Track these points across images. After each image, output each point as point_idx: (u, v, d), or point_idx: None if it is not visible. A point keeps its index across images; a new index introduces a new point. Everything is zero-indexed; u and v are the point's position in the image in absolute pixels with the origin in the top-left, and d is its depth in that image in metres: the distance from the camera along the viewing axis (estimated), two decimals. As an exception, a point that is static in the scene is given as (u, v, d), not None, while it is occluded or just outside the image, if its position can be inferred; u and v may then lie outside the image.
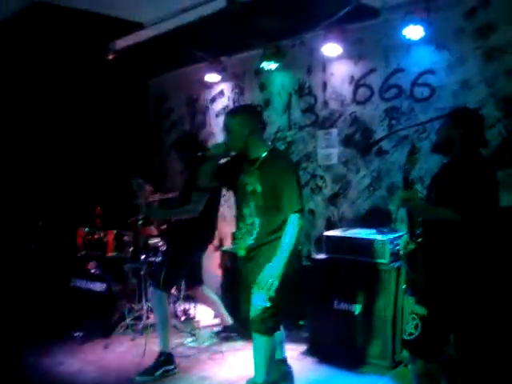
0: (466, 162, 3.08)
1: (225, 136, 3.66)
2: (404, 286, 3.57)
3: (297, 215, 3.41)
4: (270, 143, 3.80)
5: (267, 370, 3.56)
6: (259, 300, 3.41)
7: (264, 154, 3.54)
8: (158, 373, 4.31)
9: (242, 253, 3.61)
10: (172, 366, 4.44)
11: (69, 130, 6.51)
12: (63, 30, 5.26)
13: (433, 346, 3.04)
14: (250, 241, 3.52)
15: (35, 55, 5.85)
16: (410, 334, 3.06)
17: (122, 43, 5.81)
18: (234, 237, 3.81)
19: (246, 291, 3.64)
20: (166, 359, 4.42)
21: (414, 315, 3.07)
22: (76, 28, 5.19)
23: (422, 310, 3.04)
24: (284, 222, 3.43)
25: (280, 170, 3.47)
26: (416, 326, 3.04)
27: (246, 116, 3.59)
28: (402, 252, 3.39)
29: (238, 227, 3.66)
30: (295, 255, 3.52)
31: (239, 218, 3.63)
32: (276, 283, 3.32)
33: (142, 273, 5.45)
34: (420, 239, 3.21)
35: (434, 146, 3.41)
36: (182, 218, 4.61)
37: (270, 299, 3.38)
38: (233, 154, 3.74)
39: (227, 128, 3.60)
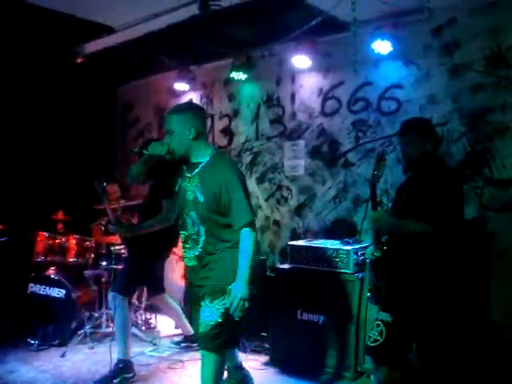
0: (433, 171, 3.09)
1: (166, 137, 3.22)
2: (368, 295, 3.53)
3: (248, 230, 3.05)
4: (214, 148, 3.35)
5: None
6: (211, 315, 3.06)
7: (206, 159, 3.17)
8: (117, 380, 4.20)
9: (191, 262, 3.25)
10: (131, 374, 4.34)
11: (33, 132, 6.37)
12: (31, 29, 5.18)
13: (397, 352, 3.02)
14: (198, 250, 3.18)
15: (3, 54, 5.73)
16: (375, 340, 3.03)
17: (91, 47, 5.75)
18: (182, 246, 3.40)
19: (194, 303, 3.35)
20: (124, 366, 4.31)
21: (378, 322, 3.05)
22: (45, 28, 5.11)
23: (387, 317, 3.02)
24: (232, 227, 3.11)
25: (222, 177, 3.08)
26: (381, 333, 3.01)
27: (191, 115, 3.16)
28: (368, 259, 3.40)
29: (182, 236, 3.30)
30: (256, 270, 3.29)
31: (182, 225, 3.25)
32: (247, 304, 3.03)
33: (103, 280, 5.38)
34: (385, 247, 3.22)
35: (409, 163, 3.24)
36: (155, 229, 4.11)
37: (223, 314, 3.05)
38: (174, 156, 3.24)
39: (168, 128, 3.19)
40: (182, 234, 3.26)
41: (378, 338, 3.01)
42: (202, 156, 3.18)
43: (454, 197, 3.02)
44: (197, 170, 3.16)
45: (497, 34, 4.32)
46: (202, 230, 3.14)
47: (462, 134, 4.47)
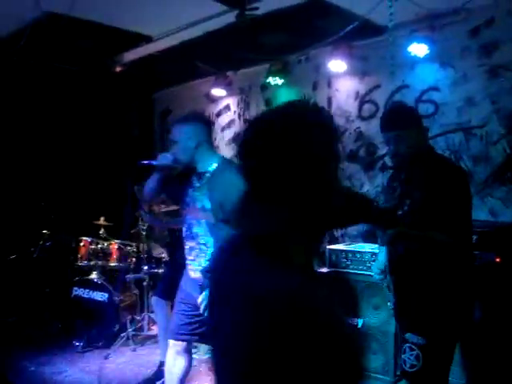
0: (441, 171, 2.81)
1: (172, 147, 3.33)
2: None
3: None
4: (221, 156, 3.37)
5: None
6: None
7: (213, 167, 3.22)
8: (159, 382, 4.29)
9: (194, 274, 3.25)
10: None
11: (75, 141, 6.57)
12: (72, 41, 5.34)
13: (438, 376, 2.84)
14: (206, 262, 3.13)
15: (44, 65, 5.93)
16: (412, 366, 2.80)
17: (129, 56, 5.89)
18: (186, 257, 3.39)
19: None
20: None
21: (411, 345, 2.81)
22: (85, 39, 5.27)
23: (420, 340, 2.79)
24: None
25: (227, 185, 2.93)
26: (417, 357, 2.78)
27: (194, 126, 3.27)
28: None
29: (188, 247, 3.30)
30: None
31: (189, 236, 3.28)
32: None
33: (144, 283, 5.48)
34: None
35: (401, 162, 2.99)
36: (178, 227, 4.36)
37: None
38: (181, 166, 3.35)
39: (174, 138, 3.29)
40: (190, 244, 3.28)
41: (415, 362, 2.79)
42: (209, 165, 3.23)
43: (468, 201, 2.83)
44: (205, 178, 3.23)
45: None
46: (211, 241, 3.15)
47: (501, 135, 4.41)
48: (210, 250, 3.14)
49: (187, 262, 3.32)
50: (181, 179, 3.39)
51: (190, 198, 3.29)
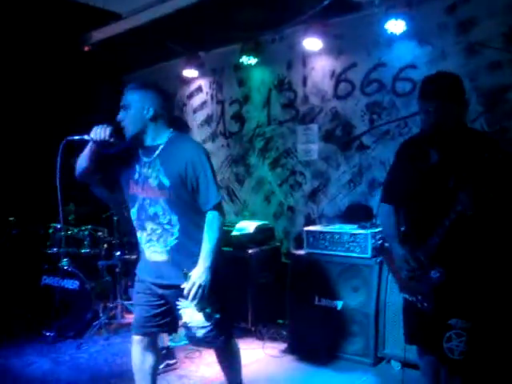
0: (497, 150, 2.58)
1: (120, 114, 2.93)
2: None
3: (215, 213, 2.91)
4: (172, 129, 3.04)
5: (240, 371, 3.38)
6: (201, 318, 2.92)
7: (165, 141, 2.96)
8: (161, 366, 4.07)
9: (161, 258, 2.99)
10: (174, 360, 4.37)
11: (42, 124, 6.30)
12: (38, 16, 5.10)
13: (489, 362, 2.79)
14: (173, 241, 2.94)
15: (7, 42, 5.66)
16: (461, 353, 2.71)
17: (98, 35, 5.69)
18: (142, 241, 3.07)
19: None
20: (166, 353, 4.31)
21: (458, 331, 2.72)
22: (52, 15, 5.04)
23: (466, 324, 2.71)
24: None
25: (187, 156, 2.88)
26: (467, 343, 2.69)
27: (152, 93, 2.95)
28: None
29: (146, 229, 3.00)
30: (222, 257, 3.05)
31: (147, 218, 2.97)
32: (205, 293, 2.83)
33: (116, 270, 5.35)
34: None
35: (439, 134, 2.76)
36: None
37: (213, 311, 2.92)
38: (121, 139, 2.92)
39: (124, 104, 2.93)
40: (148, 226, 2.98)
41: (465, 349, 2.70)
42: (160, 138, 2.97)
43: None
44: (156, 153, 2.94)
45: (514, 10, 4.19)
46: (175, 218, 2.92)
47: (479, 113, 4.36)
48: (177, 228, 2.92)
49: (146, 245, 3.03)
50: (122, 156, 3.04)
51: (139, 175, 2.99)
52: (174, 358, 4.40)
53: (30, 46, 5.82)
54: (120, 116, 2.93)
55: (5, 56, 5.80)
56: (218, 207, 2.93)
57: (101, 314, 5.24)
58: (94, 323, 5.18)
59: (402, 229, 3.07)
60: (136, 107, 2.90)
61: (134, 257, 5.24)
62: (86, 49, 5.74)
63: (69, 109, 6.53)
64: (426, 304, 2.89)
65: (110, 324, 5.33)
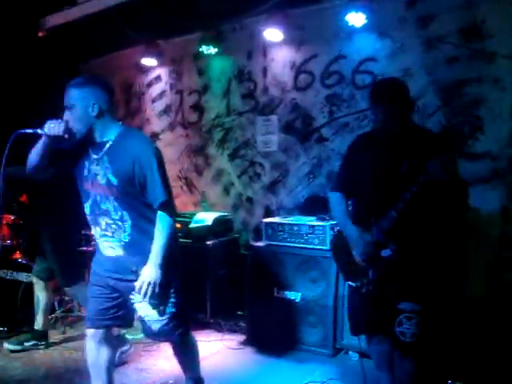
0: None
1: (65, 113, 2.84)
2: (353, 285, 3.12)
3: (162, 212, 2.86)
4: (121, 124, 2.99)
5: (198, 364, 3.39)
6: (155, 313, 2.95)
7: (113, 137, 2.89)
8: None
9: (114, 253, 2.97)
10: (127, 347, 4.33)
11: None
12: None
13: (441, 343, 2.89)
14: (126, 237, 2.91)
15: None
16: (413, 334, 2.79)
17: (53, 20, 5.51)
18: (96, 236, 3.05)
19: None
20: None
21: (408, 314, 2.80)
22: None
23: (416, 306, 2.81)
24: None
25: (134, 154, 2.82)
26: (418, 324, 2.79)
27: (94, 89, 2.84)
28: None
29: (100, 224, 2.96)
30: (176, 252, 3.05)
31: (101, 213, 2.93)
32: (157, 289, 2.84)
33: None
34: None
35: (387, 135, 2.92)
36: None
37: (174, 303, 2.97)
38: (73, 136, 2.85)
39: (68, 104, 2.82)
40: (100, 221, 2.94)
41: (416, 331, 2.78)
42: (109, 134, 2.89)
43: None
44: (104, 150, 2.88)
45: (471, 7, 4.24)
46: (126, 214, 2.88)
47: (437, 107, 4.43)
48: (128, 223, 2.88)
49: (100, 240, 2.99)
50: (74, 151, 2.96)
51: (88, 172, 2.93)
52: (126, 344, 4.36)
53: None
54: (65, 117, 2.82)
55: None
56: (165, 206, 2.87)
57: (56, 308, 5.14)
58: (50, 316, 5.07)
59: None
60: (80, 106, 2.81)
61: (90, 249, 5.13)
62: (41, 34, 5.56)
63: (23, 97, 6.31)
64: (370, 287, 2.96)
65: (66, 317, 5.22)
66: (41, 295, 4.61)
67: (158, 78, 6.53)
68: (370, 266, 2.95)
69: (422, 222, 2.86)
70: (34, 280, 4.64)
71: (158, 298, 2.89)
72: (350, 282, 3.12)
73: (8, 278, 5.06)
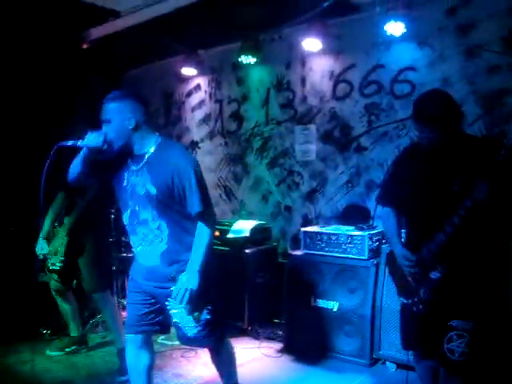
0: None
1: (103, 128, 2.91)
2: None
3: (202, 224, 2.94)
4: (158, 135, 3.06)
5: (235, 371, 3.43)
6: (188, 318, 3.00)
7: (152, 149, 2.97)
8: (124, 378, 4.00)
9: (152, 263, 3.03)
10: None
11: (37, 123, 6.24)
12: (36, 14, 5.08)
13: (490, 363, 2.84)
14: (163, 246, 2.98)
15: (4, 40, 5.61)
16: (462, 353, 2.76)
17: (96, 32, 5.66)
18: (134, 245, 3.13)
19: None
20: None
21: (460, 332, 2.77)
22: (50, 13, 5.02)
23: (468, 325, 2.77)
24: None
25: (173, 165, 2.89)
26: (468, 344, 2.75)
27: (130, 102, 2.93)
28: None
29: (138, 234, 3.04)
30: (214, 261, 3.12)
31: (139, 223, 3.00)
32: (193, 296, 2.89)
33: (113, 268, 5.33)
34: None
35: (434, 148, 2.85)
36: None
37: (210, 311, 3.03)
38: (112, 148, 2.94)
39: (105, 118, 2.91)
40: (139, 231, 3.02)
41: (466, 350, 2.75)
42: (147, 146, 2.97)
43: None
44: (144, 161, 2.95)
45: (514, 14, 4.20)
46: (164, 224, 2.96)
47: (478, 116, 4.36)
48: (166, 233, 2.96)
49: (137, 249, 3.08)
50: (114, 162, 3.04)
51: (127, 182, 3.00)
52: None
53: (28, 44, 5.77)
54: (103, 130, 2.89)
55: (1, 54, 5.76)
56: (204, 215, 2.93)
57: (97, 313, 5.24)
58: (91, 321, 5.21)
59: (403, 232, 3.12)
60: (117, 120, 2.89)
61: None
62: (85, 46, 5.71)
63: (67, 107, 6.48)
64: (421, 306, 2.93)
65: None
66: (66, 306, 4.74)
67: (198, 88, 6.62)
68: (420, 285, 2.92)
69: (471, 246, 2.80)
70: (54, 293, 4.73)
71: (194, 305, 2.95)
72: (402, 299, 3.09)
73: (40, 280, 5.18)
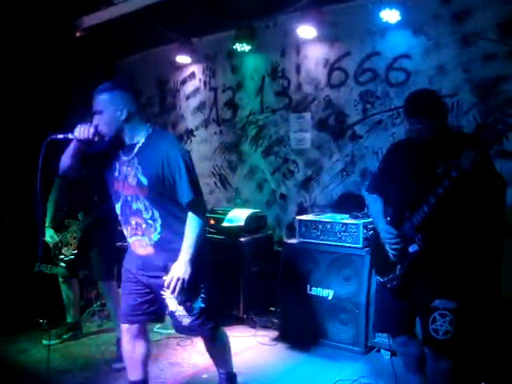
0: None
1: (94, 119, 2.91)
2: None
3: (190, 212, 2.94)
4: (150, 125, 3.05)
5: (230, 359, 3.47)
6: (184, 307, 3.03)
7: (142, 139, 2.97)
8: (118, 365, 4.02)
9: (146, 252, 3.04)
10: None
11: (29, 109, 6.20)
12: (29, 3, 5.03)
13: (473, 342, 2.88)
14: (156, 235, 2.98)
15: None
16: (446, 332, 2.79)
17: (89, 20, 5.60)
18: (127, 235, 3.13)
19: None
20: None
21: (442, 311, 2.80)
22: (42, 1, 4.97)
23: (451, 304, 2.81)
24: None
25: (163, 155, 2.89)
26: (451, 322, 2.79)
27: (121, 93, 2.93)
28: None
29: (131, 224, 3.03)
30: (207, 249, 3.14)
31: (132, 213, 3.00)
32: (186, 285, 2.91)
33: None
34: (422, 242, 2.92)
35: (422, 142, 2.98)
36: None
37: (204, 299, 3.06)
38: (104, 139, 2.95)
39: (96, 109, 2.91)
40: (131, 221, 3.01)
41: (450, 328, 2.78)
42: (138, 136, 2.98)
43: None
44: (134, 152, 2.96)
45: (510, 0, 4.17)
46: (157, 213, 2.96)
47: (472, 104, 4.36)
48: (159, 223, 2.96)
49: (131, 239, 3.08)
50: (105, 153, 3.05)
51: (119, 173, 3.01)
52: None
53: (22, 33, 5.72)
54: (94, 121, 2.90)
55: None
56: (194, 204, 2.93)
57: (94, 301, 5.28)
58: (87, 310, 5.22)
59: (388, 218, 3.19)
60: (109, 111, 2.89)
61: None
62: (78, 34, 5.66)
63: (60, 97, 6.45)
64: (395, 282, 3.03)
65: (103, 311, 5.33)
66: (70, 293, 4.80)
67: (192, 75, 6.59)
68: (398, 262, 3.01)
69: (453, 218, 2.89)
70: (61, 281, 4.79)
71: (187, 294, 2.97)
72: (378, 277, 3.19)
73: (48, 271, 5.20)
